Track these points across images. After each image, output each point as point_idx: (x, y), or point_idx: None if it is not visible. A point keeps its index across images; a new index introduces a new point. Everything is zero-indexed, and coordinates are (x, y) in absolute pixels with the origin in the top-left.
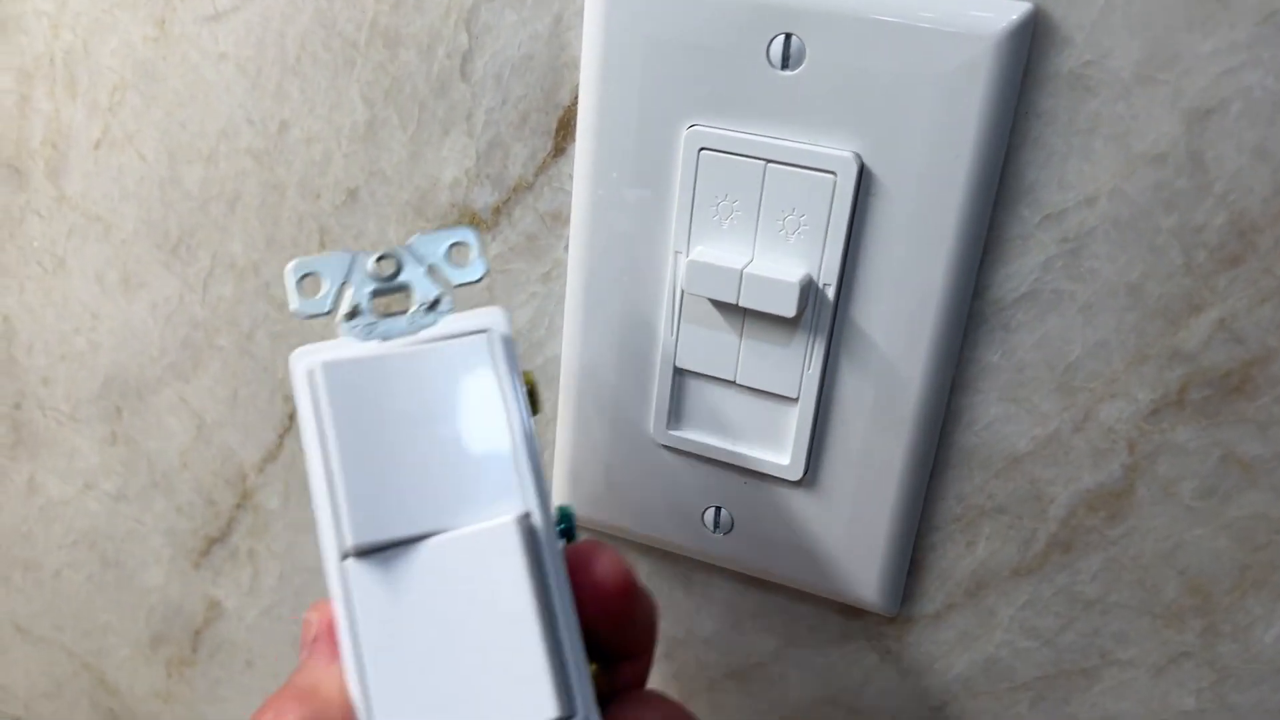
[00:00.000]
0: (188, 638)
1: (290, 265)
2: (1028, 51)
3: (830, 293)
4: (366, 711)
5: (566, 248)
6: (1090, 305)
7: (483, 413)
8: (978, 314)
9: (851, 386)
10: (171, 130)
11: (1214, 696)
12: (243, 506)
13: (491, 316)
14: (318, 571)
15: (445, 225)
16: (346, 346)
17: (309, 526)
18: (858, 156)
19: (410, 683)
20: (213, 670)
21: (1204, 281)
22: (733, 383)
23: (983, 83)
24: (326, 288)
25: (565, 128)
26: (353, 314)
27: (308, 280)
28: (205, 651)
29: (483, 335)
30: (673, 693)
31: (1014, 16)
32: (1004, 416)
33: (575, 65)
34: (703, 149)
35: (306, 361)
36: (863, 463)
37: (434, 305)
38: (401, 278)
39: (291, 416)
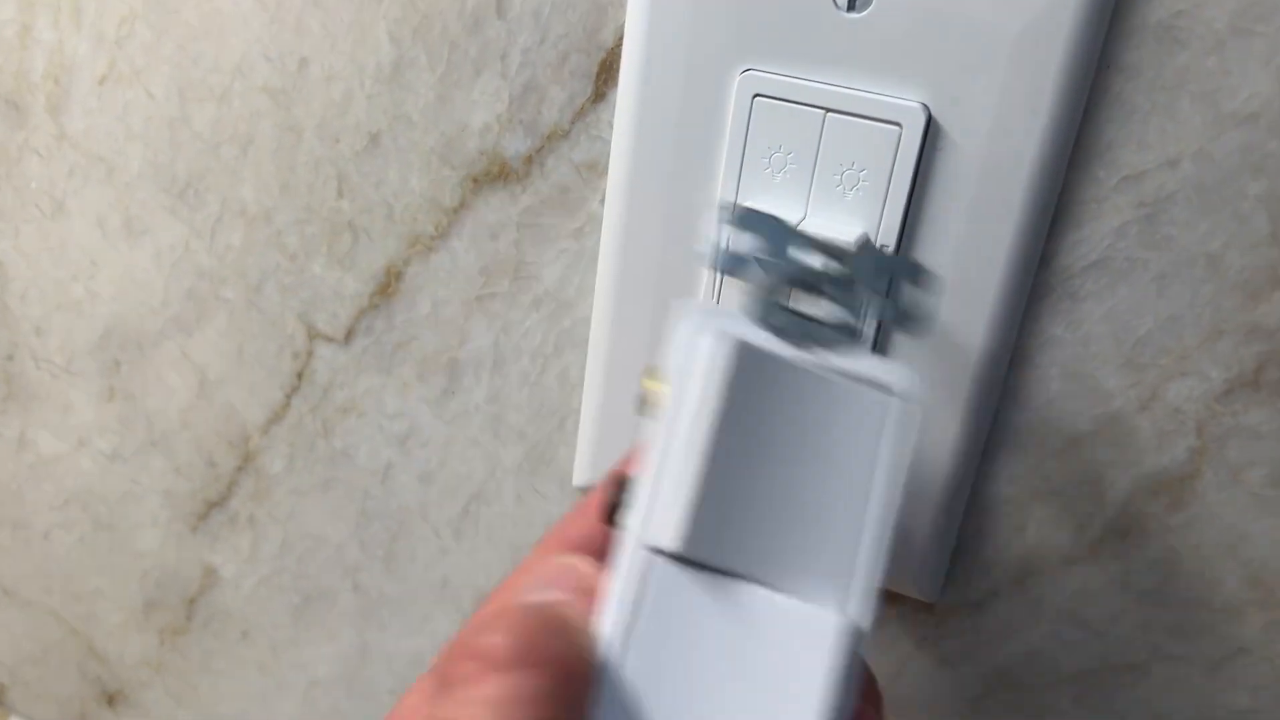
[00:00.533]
0: (182, 605)
1: (724, 205)
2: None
3: (888, 254)
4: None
5: (603, 201)
6: (1164, 275)
7: (852, 476)
8: (1043, 282)
9: (904, 357)
10: (183, 66)
11: (1272, 695)
12: (244, 469)
13: (905, 379)
14: (320, 539)
15: (907, 260)
16: (760, 337)
17: (313, 491)
18: (925, 108)
19: (668, 700)
20: (206, 640)
21: None
22: None
23: (1064, 32)
24: (754, 245)
25: (607, 71)
26: (769, 290)
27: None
28: (199, 620)
29: (892, 399)
30: None
31: None
32: (1065, 393)
33: (621, 3)
34: (757, 95)
35: (712, 324)
36: None
37: (850, 332)
38: (840, 289)
39: (300, 375)
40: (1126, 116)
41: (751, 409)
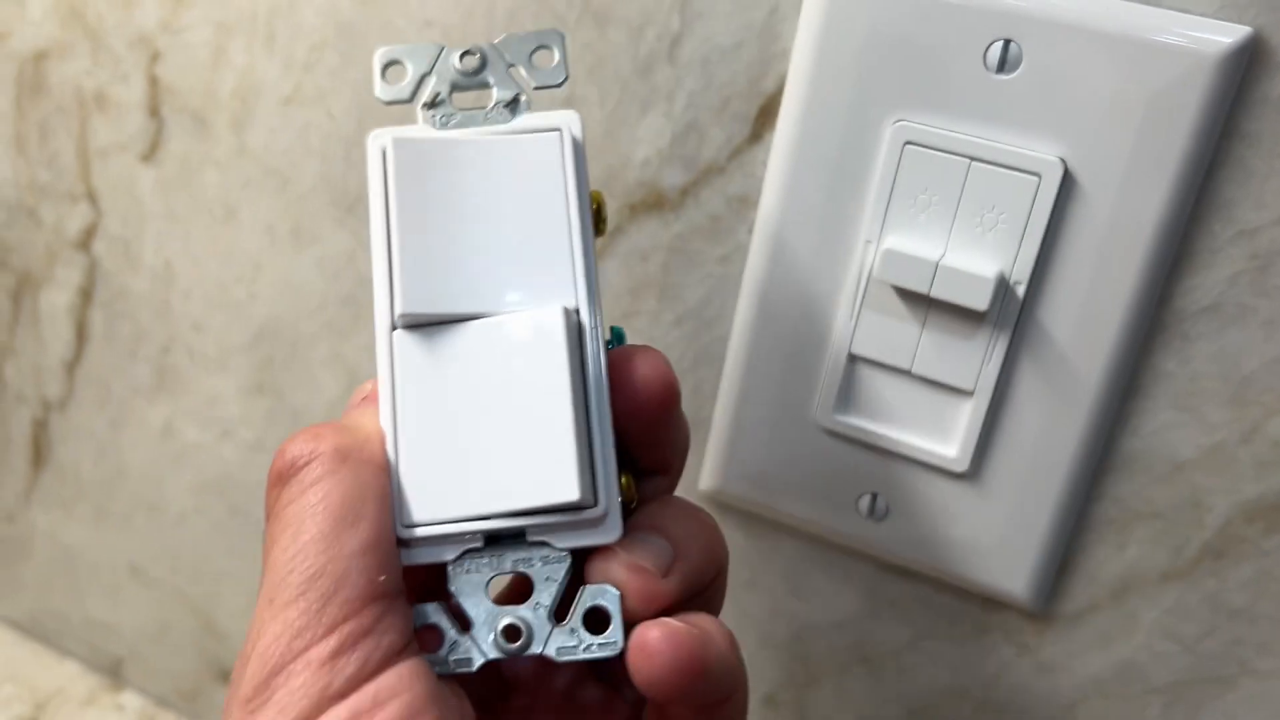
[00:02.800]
0: None
1: (378, 52)
2: (1242, 74)
3: (1020, 290)
4: (395, 462)
5: (750, 230)
6: (1272, 321)
7: (545, 208)
8: (1159, 322)
9: (1028, 384)
10: (365, 90)
11: None
12: None
13: (565, 117)
14: None
15: (536, 29)
16: (422, 131)
17: None
18: (1063, 161)
19: (439, 449)
20: None
21: None
22: (907, 372)
23: (1195, 101)
24: (410, 76)
25: (766, 115)
26: (433, 103)
27: (392, 68)
28: None
29: (554, 133)
30: (800, 676)
31: (1233, 39)
32: (1172, 423)
33: (784, 55)
34: (908, 143)
35: (381, 140)
36: (1030, 460)
37: (512, 104)
38: (484, 75)
39: None
40: (1245, 178)
41: (430, 183)
